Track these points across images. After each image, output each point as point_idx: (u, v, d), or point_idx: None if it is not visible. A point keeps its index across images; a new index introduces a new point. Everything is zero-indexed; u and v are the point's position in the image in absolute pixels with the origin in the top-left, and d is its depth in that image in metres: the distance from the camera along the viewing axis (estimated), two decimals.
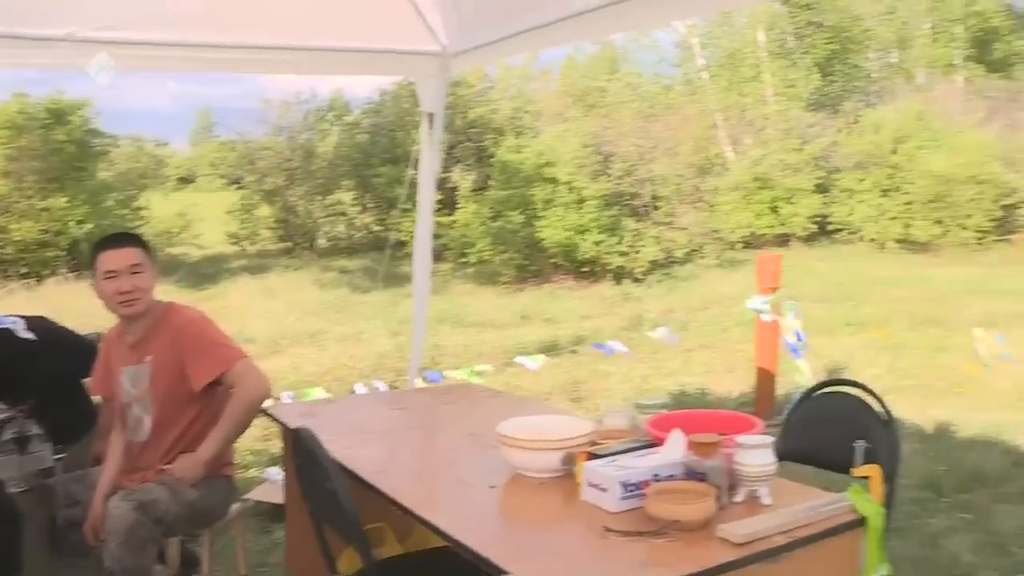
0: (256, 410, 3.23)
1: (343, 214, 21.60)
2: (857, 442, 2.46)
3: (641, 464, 2.33)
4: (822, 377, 6.82)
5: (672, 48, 30.46)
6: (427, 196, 5.15)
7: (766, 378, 6.68)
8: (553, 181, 15.97)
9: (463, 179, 18.45)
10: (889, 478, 2.73)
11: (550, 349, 9.24)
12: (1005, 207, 18.78)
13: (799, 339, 7.09)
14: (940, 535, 4.48)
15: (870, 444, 2.61)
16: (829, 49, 26.25)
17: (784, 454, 3.09)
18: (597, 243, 15.34)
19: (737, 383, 7.84)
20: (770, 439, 2.34)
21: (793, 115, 21.95)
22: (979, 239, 18.52)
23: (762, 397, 6.71)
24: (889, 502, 2.72)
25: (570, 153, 16.54)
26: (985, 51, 28.08)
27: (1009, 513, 4.79)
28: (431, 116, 4.99)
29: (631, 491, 2.26)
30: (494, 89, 22.16)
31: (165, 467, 3.15)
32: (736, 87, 24.90)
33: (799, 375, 6.86)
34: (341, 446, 2.83)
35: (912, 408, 6.93)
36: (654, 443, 2.52)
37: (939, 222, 18.68)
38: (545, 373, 8.22)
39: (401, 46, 4.77)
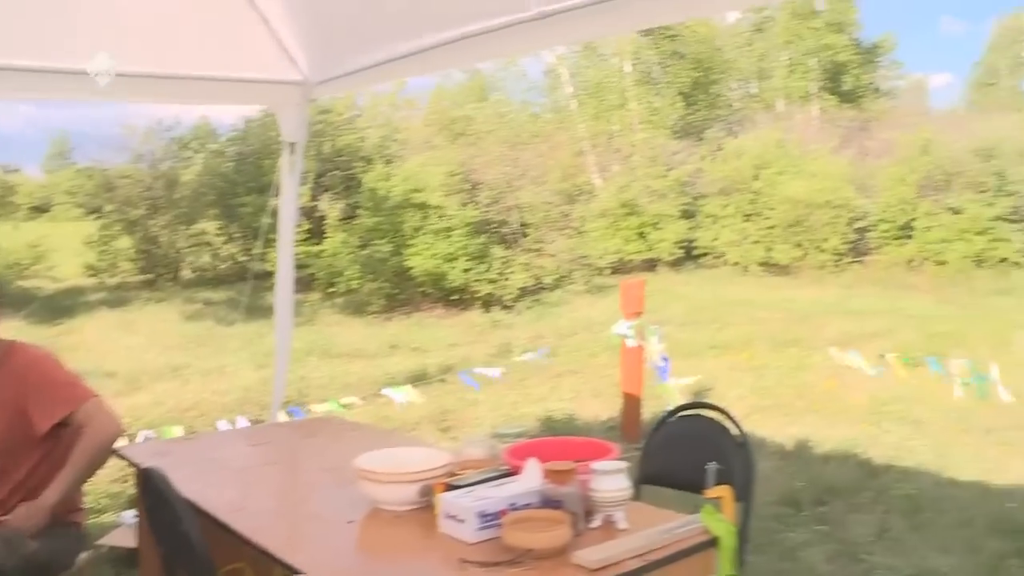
0: (107, 451, 3.08)
1: (208, 244, 21.01)
2: (709, 464, 2.51)
3: (497, 494, 2.33)
4: (687, 399, 6.98)
5: (541, 77, 30.96)
6: (288, 226, 5.07)
7: (632, 402, 6.81)
8: (422, 207, 15.94)
9: (331, 207, 18.25)
10: (743, 497, 2.80)
11: (419, 378, 9.18)
12: (858, 230, 19.74)
13: (664, 362, 7.25)
14: (798, 548, 4.64)
15: (726, 465, 2.67)
16: (692, 78, 27.11)
17: (644, 477, 3.15)
18: (466, 271, 15.34)
19: (605, 407, 7.94)
20: (624, 464, 2.37)
21: (658, 142, 22.59)
22: (835, 261, 19.37)
23: (628, 421, 6.83)
24: (745, 520, 2.79)
25: (437, 181, 16.54)
26: (836, 83, 29.52)
27: (861, 522, 5.03)
28: (292, 145, 4.93)
29: (488, 521, 2.25)
30: (361, 117, 21.98)
31: (1, 518, 2.97)
32: (603, 115, 25.47)
33: (671, 398, 6.99)
34: (196, 485, 2.74)
35: (773, 426, 7.16)
36: (512, 472, 2.52)
37: (799, 245, 19.47)
38: (414, 403, 8.15)
39: (261, 75, 4.69)
